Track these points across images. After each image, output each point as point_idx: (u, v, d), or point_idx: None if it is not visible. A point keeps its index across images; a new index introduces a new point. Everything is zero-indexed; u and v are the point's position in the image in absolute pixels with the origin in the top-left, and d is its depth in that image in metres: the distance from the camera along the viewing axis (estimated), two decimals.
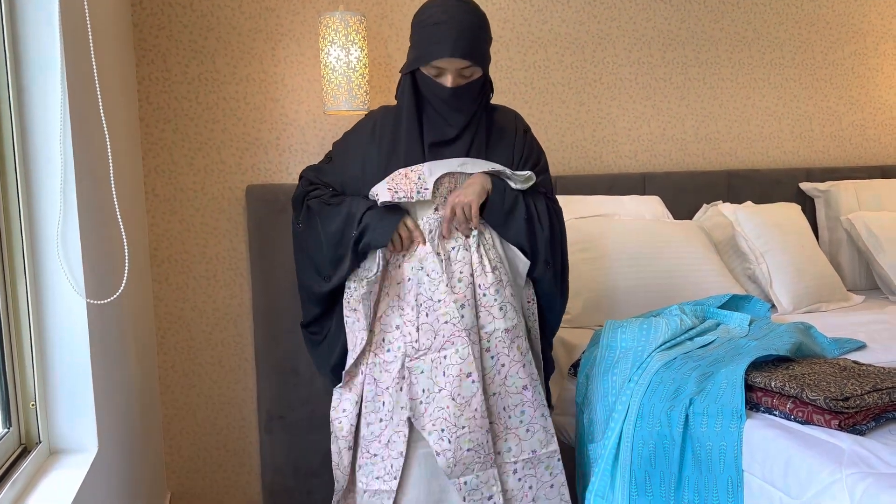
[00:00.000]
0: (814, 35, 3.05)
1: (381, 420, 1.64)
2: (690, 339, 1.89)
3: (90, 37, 1.42)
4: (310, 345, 1.85)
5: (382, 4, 2.52)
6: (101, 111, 1.42)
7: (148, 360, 2.23)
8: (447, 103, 1.64)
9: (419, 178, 1.63)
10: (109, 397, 1.57)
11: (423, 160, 1.66)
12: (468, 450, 1.60)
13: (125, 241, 1.46)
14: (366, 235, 1.63)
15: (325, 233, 1.69)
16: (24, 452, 1.34)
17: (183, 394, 2.47)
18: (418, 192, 1.62)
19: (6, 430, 1.31)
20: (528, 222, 1.67)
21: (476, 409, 1.60)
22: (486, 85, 1.70)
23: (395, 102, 1.77)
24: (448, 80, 1.61)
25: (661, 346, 1.83)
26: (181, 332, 2.45)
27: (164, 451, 2.47)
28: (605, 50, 2.79)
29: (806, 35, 3.04)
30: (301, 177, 1.83)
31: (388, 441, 1.62)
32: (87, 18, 1.41)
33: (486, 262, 1.64)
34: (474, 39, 1.60)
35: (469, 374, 1.59)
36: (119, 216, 1.47)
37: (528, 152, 1.76)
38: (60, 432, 1.39)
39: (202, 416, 2.49)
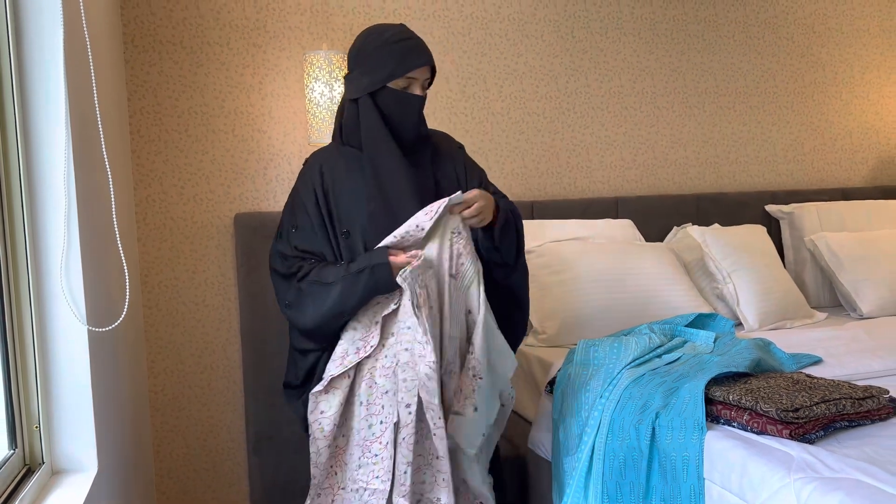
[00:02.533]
0: (775, 65, 3.21)
1: (381, 422, 1.70)
2: (658, 356, 2.00)
3: (93, 77, 1.52)
4: (292, 399, 1.85)
5: None
6: (104, 150, 1.51)
7: (139, 384, 2.30)
8: (417, 113, 1.74)
9: (417, 227, 1.68)
10: (107, 420, 1.64)
11: (406, 175, 1.75)
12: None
13: (126, 272, 1.55)
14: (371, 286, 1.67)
15: (322, 310, 1.70)
16: (29, 473, 1.41)
17: (173, 416, 2.54)
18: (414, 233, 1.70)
19: (12, 451, 1.38)
20: (518, 231, 1.78)
21: (403, 440, 1.64)
22: None
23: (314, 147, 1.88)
24: (417, 90, 1.74)
25: (630, 363, 1.94)
26: (171, 357, 2.52)
27: (155, 473, 2.53)
28: (577, 81, 2.92)
29: (768, 65, 3.20)
30: (272, 256, 1.79)
31: (388, 442, 1.69)
32: (91, 61, 1.51)
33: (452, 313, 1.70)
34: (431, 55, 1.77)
35: (408, 405, 1.64)
36: (121, 249, 1.55)
37: (470, 165, 1.89)
38: (62, 453, 1.47)
39: (192, 438, 2.56)
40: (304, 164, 1.84)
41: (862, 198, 3.27)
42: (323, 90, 2.36)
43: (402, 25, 1.77)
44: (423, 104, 1.77)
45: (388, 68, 1.71)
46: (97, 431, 1.51)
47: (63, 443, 1.46)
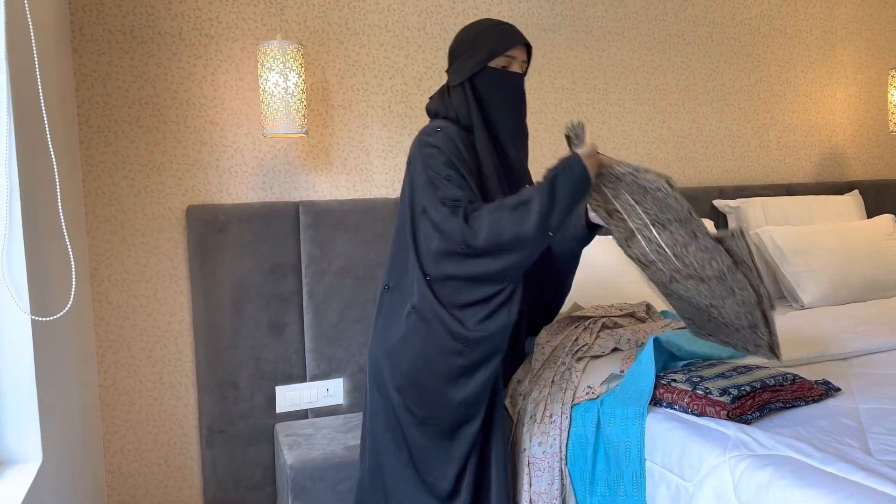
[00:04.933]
0: (723, 64, 3.31)
1: None
2: None
3: (36, 62, 1.50)
4: None
5: (320, 33, 2.64)
6: (48, 137, 1.49)
7: (89, 377, 2.27)
8: (518, 90, 1.82)
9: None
10: (53, 411, 1.62)
11: (502, 171, 1.79)
12: None
13: (73, 261, 1.53)
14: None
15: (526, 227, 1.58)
16: None
17: (123, 411, 2.50)
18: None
19: None
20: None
21: None
22: None
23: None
24: (516, 68, 1.83)
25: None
26: (122, 351, 2.49)
27: (105, 468, 2.50)
28: (530, 78, 2.94)
29: (716, 64, 3.29)
30: (430, 207, 1.63)
31: None
32: (34, 45, 1.49)
33: None
34: None
35: None
36: (66, 236, 1.54)
37: None
38: (5, 444, 1.44)
39: (143, 432, 2.53)
40: (429, 133, 1.74)
41: (805, 193, 3.39)
42: (277, 80, 2.35)
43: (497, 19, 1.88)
44: (523, 82, 1.84)
45: (488, 48, 1.80)
46: (42, 422, 1.49)
47: (5, 433, 1.44)
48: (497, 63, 1.80)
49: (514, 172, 1.84)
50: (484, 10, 2.87)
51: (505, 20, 2.90)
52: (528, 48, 1.85)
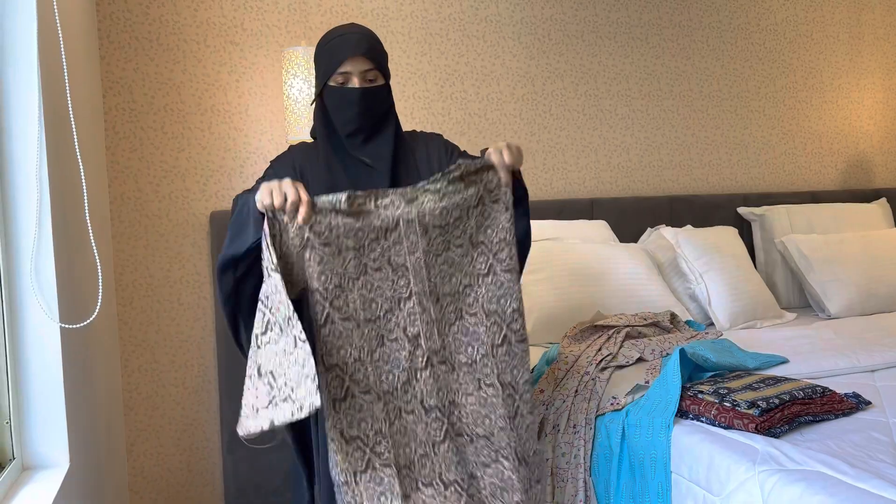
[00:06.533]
0: (748, 70, 3.28)
1: None
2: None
3: (65, 70, 1.51)
4: None
5: None
6: (76, 144, 1.51)
7: (113, 382, 2.29)
8: (357, 105, 1.65)
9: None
10: (80, 416, 1.63)
11: (349, 185, 1.62)
12: None
13: (99, 268, 1.55)
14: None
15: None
16: None
17: (147, 415, 2.52)
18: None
19: None
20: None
21: None
22: (391, 96, 1.73)
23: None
24: (355, 83, 1.65)
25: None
26: (145, 355, 2.51)
27: (128, 471, 2.52)
28: (553, 83, 2.96)
29: (740, 70, 3.26)
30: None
31: None
32: (63, 55, 1.51)
33: None
34: (374, 46, 1.68)
35: None
36: (94, 244, 1.55)
37: (451, 146, 1.77)
38: (33, 449, 1.46)
39: (166, 437, 2.54)
40: (289, 149, 1.80)
41: (831, 200, 3.34)
42: (301, 86, 2.37)
43: (348, 24, 1.72)
44: (371, 95, 1.66)
45: (322, 68, 1.68)
46: (69, 427, 1.50)
47: (34, 438, 1.46)
48: (335, 81, 1.65)
49: (376, 180, 1.69)
50: (506, 17, 2.87)
51: (526, 27, 2.90)
52: (371, 54, 1.65)
